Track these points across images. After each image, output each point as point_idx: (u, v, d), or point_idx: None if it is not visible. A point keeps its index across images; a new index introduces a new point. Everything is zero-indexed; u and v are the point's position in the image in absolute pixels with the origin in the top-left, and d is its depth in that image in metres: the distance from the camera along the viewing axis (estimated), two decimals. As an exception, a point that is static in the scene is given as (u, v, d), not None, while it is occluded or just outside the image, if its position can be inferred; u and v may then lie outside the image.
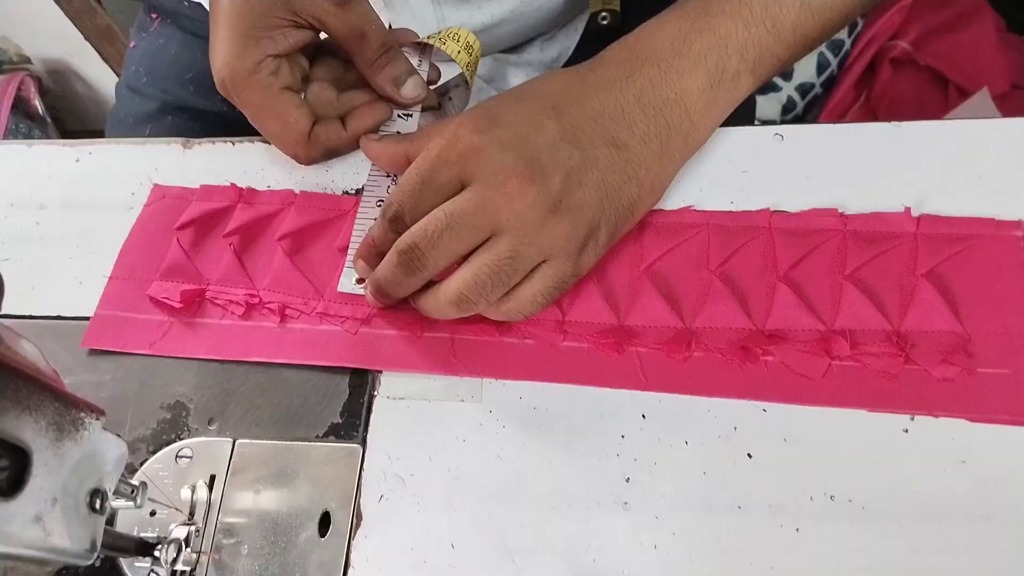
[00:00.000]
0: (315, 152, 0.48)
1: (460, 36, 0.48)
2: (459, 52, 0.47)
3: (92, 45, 1.36)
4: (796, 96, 1.15)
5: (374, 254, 0.41)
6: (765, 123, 1.15)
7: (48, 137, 1.45)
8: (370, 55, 0.46)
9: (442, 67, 0.51)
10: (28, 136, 1.40)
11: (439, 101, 0.51)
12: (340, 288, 0.43)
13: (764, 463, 0.38)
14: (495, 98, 0.42)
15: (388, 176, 0.46)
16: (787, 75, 1.14)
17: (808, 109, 1.17)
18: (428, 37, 0.48)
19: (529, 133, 0.38)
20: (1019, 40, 1.15)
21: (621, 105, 0.41)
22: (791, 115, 1.16)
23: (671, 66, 0.41)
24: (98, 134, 0.71)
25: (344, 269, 0.44)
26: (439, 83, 0.51)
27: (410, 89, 0.47)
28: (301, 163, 0.49)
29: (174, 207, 0.48)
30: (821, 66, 1.14)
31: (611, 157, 0.40)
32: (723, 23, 0.41)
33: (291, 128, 0.46)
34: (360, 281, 0.43)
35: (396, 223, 0.39)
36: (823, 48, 1.13)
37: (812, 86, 1.15)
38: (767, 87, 1.15)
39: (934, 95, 1.11)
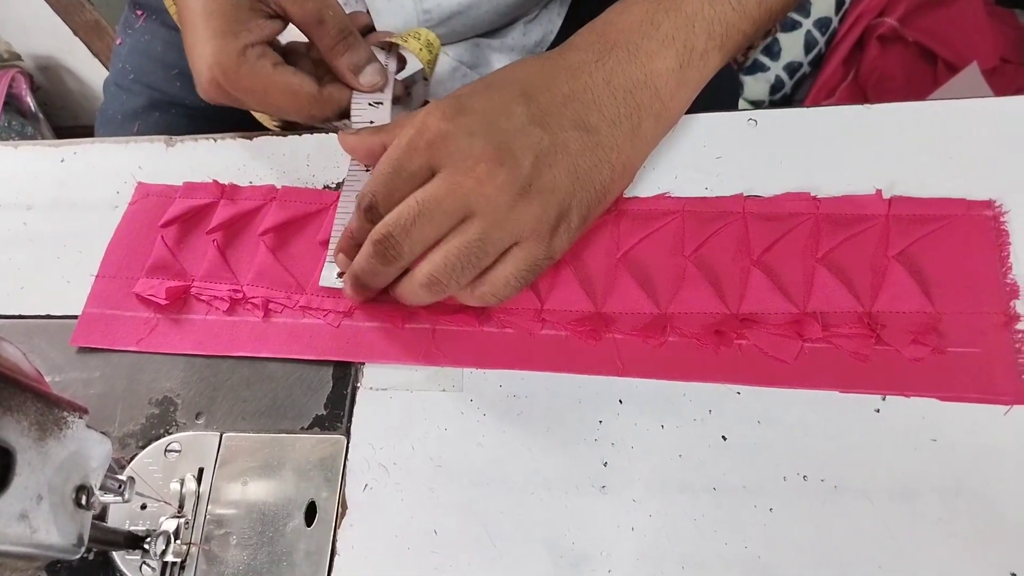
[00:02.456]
0: (329, 111, 0.49)
1: (421, 35, 0.49)
2: (420, 50, 0.48)
3: (82, 40, 1.36)
4: (784, 75, 1.15)
5: (353, 246, 0.42)
6: (754, 103, 1.16)
7: (41, 133, 1.45)
8: (328, 41, 0.46)
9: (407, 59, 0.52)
10: (21, 133, 1.40)
11: (401, 95, 0.52)
12: (322, 282, 0.44)
13: (738, 445, 0.38)
14: (465, 87, 0.43)
15: (367, 170, 0.47)
16: (775, 54, 1.14)
17: (796, 88, 1.17)
18: (391, 37, 0.49)
19: (498, 118, 0.39)
20: (1008, 13, 1.15)
21: (591, 89, 0.41)
22: (779, 94, 1.16)
23: (639, 48, 0.42)
24: (90, 129, 0.71)
25: (325, 264, 0.44)
26: (403, 76, 0.52)
27: (369, 76, 0.48)
28: (317, 123, 0.50)
29: (158, 205, 0.49)
30: (809, 45, 1.14)
31: (581, 141, 0.40)
32: (689, 2, 0.42)
33: (300, 94, 0.47)
34: (341, 275, 0.43)
35: (371, 213, 0.40)
36: (811, 27, 1.13)
37: (800, 65, 1.15)
38: (755, 67, 1.15)
39: (923, 71, 1.11)
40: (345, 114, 0.49)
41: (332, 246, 0.44)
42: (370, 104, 0.48)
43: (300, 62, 0.50)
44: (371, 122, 0.48)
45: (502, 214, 0.38)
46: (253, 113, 0.55)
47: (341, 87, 0.48)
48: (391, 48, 0.50)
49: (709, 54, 0.42)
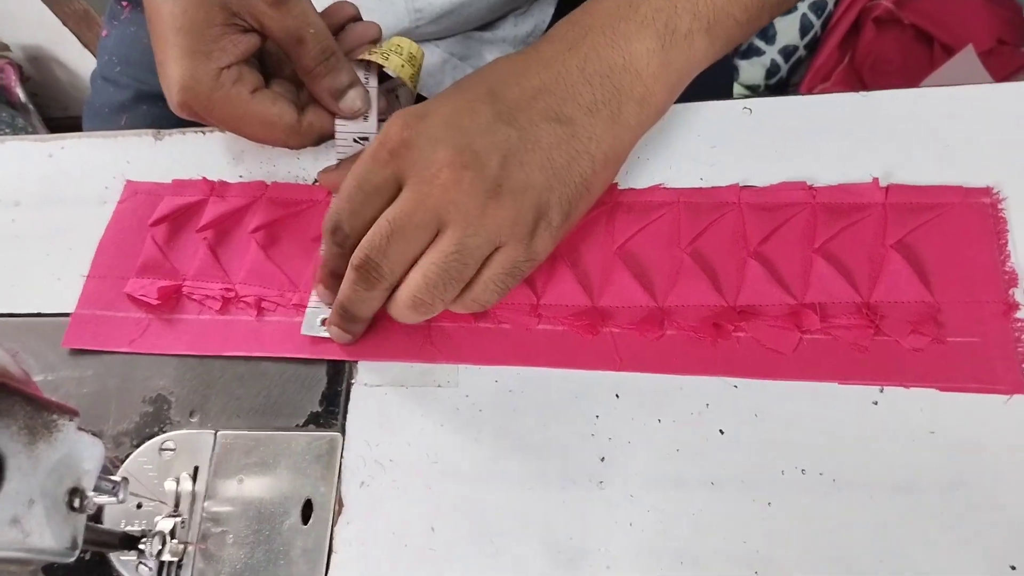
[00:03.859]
0: (308, 140, 0.48)
1: (403, 48, 0.47)
2: (403, 66, 0.46)
3: (70, 30, 1.35)
4: (780, 59, 1.14)
5: (329, 275, 0.41)
6: (749, 88, 1.15)
7: (32, 125, 1.44)
8: (308, 62, 0.44)
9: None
10: (11, 124, 1.39)
11: (387, 99, 0.50)
12: (304, 330, 0.43)
13: (736, 439, 0.38)
14: (438, 94, 0.42)
15: None
16: (770, 38, 1.13)
17: (792, 72, 1.17)
18: (370, 53, 0.47)
19: (460, 120, 0.38)
20: (1004, -6, 1.14)
21: (563, 78, 0.39)
22: (775, 78, 1.16)
23: (616, 30, 0.40)
24: (81, 120, 0.71)
25: (307, 311, 0.43)
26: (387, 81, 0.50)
27: (350, 102, 0.46)
28: (293, 149, 0.49)
29: (147, 203, 0.48)
30: (804, 28, 1.13)
31: (555, 134, 0.38)
32: None
33: (278, 125, 0.45)
34: (324, 322, 0.42)
35: (336, 235, 0.39)
36: (806, 9, 1.12)
37: (796, 49, 1.14)
38: (750, 51, 1.14)
39: (919, 54, 1.11)
40: (326, 139, 0.48)
41: (314, 293, 0.43)
42: (356, 140, 0.47)
43: (283, 68, 0.48)
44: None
45: (474, 219, 0.36)
46: None
47: (323, 113, 0.47)
48: (370, 67, 0.48)
49: (694, 36, 0.40)
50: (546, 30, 0.64)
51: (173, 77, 0.43)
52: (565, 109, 0.39)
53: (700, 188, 0.44)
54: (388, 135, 0.37)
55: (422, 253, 0.37)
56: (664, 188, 0.44)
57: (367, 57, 0.47)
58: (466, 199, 0.36)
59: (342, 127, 0.47)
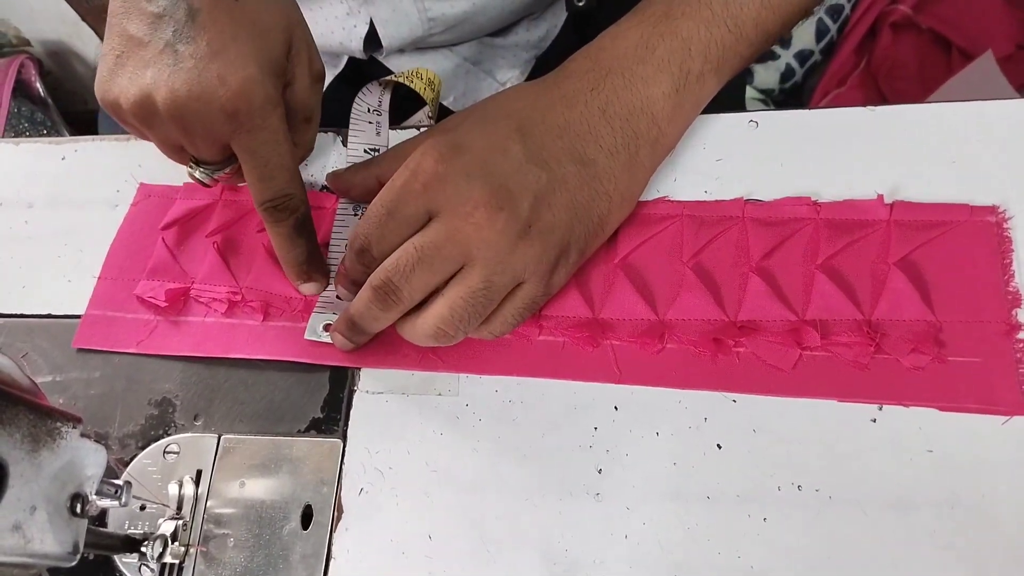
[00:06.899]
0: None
1: (423, 75, 0.48)
2: (424, 89, 0.48)
3: (89, 25, 1.36)
4: (795, 64, 1.13)
5: (350, 282, 0.41)
6: (764, 92, 1.14)
7: (51, 119, 1.45)
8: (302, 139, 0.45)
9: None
10: (31, 119, 1.40)
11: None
12: (307, 336, 0.43)
13: (733, 454, 0.38)
14: (459, 118, 0.42)
15: (355, 214, 0.46)
16: (786, 43, 1.13)
17: (807, 76, 1.16)
18: (398, 76, 0.48)
19: (494, 158, 0.38)
20: (1025, -1, 1.13)
21: (587, 119, 0.40)
22: (790, 83, 1.15)
23: (635, 74, 0.41)
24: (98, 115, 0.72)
25: (312, 315, 0.44)
26: (409, 121, 0.52)
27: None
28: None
29: (159, 206, 0.49)
30: (820, 32, 1.12)
31: (579, 175, 0.39)
32: (684, 25, 0.41)
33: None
34: (327, 328, 0.43)
35: (363, 256, 0.39)
36: (822, 14, 1.11)
37: (811, 53, 1.13)
38: (765, 56, 1.14)
39: (936, 59, 1.10)
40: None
41: (320, 299, 0.44)
42: (366, 151, 0.48)
43: None
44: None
45: (503, 258, 0.37)
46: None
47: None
48: (385, 88, 0.50)
49: (705, 76, 0.42)
50: (558, 34, 0.65)
51: (234, 68, 0.38)
52: (588, 150, 0.40)
53: (704, 201, 0.44)
54: (422, 167, 0.38)
55: (442, 284, 0.38)
56: (668, 201, 0.44)
57: (395, 78, 0.48)
58: (498, 238, 0.37)
59: (355, 138, 0.48)
